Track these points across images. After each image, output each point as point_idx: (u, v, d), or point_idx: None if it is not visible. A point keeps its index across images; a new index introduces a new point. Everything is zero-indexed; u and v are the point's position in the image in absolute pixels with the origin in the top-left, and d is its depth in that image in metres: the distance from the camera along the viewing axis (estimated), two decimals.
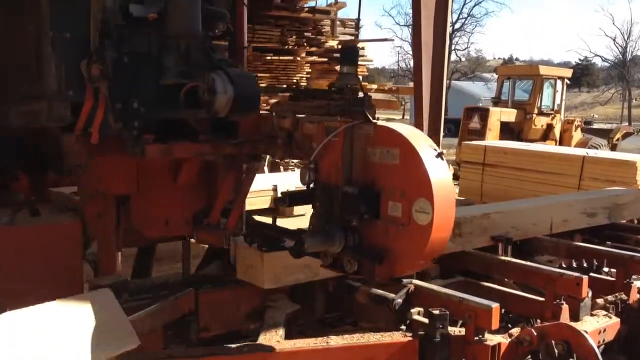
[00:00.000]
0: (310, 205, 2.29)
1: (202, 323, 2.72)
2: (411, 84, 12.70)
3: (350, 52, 2.35)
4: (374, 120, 2.12)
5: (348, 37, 13.27)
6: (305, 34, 11.78)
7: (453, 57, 42.56)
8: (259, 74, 11.55)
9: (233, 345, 2.35)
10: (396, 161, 2.05)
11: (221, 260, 3.12)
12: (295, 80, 11.35)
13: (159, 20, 2.47)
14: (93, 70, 2.28)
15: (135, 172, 2.70)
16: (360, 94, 2.21)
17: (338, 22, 12.86)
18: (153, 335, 2.45)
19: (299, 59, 11.25)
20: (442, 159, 2.05)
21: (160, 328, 2.50)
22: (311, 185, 2.25)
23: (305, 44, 11.75)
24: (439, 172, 2.00)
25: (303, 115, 2.37)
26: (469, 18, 43.42)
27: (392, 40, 43.64)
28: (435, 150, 2.04)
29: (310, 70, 12.14)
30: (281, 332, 2.60)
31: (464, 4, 43.03)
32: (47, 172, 8.35)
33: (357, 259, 2.13)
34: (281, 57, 10.84)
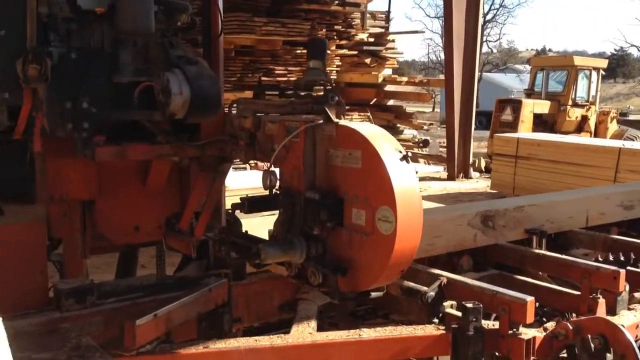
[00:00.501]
0: None
1: (235, 314, 2.74)
2: (441, 77, 12.61)
3: (317, 45, 2.22)
4: (336, 120, 1.96)
5: (378, 30, 13.20)
6: (336, 27, 11.78)
7: (484, 49, 42.01)
8: (289, 68, 11.59)
9: (266, 337, 2.37)
10: (358, 164, 1.90)
11: (200, 261, 2.98)
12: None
13: (110, 14, 2.30)
14: (30, 70, 2.14)
15: (96, 176, 2.53)
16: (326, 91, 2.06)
17: (368, 15, 12.82)
18: (187, 326, 2.49)
19: (329, 52, 11.25)
20: (408, 162, 1.90)
21: (194, 319, 2.53)
22: (274, 190, 2.10)
23: (335, 37, 11.74)
24: (403, 178, 1.85)
25: (265, 115, 2.22)
26: (500, 9, 42.81)
27: (423, 32, 43.31)
28: (400, 152, 1.90)
29: (340, 63, 12.13)
30: (313, 324, 2.61)
31: None
32: None
33: (321, 271, 2.00)
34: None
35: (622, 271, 2.77)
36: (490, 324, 2.54)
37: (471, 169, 11.94)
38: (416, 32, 19.07)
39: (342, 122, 1.98)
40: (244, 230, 2.40)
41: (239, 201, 2.21)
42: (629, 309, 2.84)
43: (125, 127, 2.36)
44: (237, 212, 2.23)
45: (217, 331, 2.59)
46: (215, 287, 2.60)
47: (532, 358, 2.45)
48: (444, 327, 2.51)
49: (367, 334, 2.45)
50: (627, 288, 2.83)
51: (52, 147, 2.39)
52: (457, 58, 10.99)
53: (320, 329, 2.76)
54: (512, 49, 52.67)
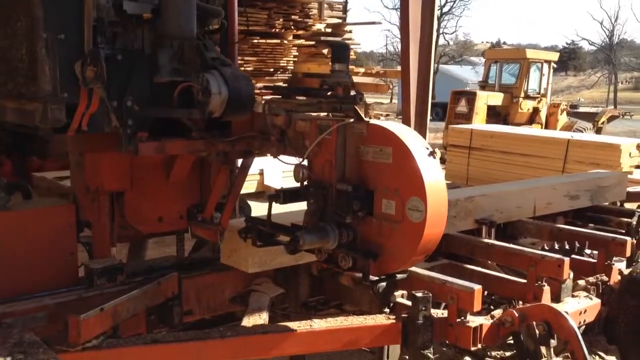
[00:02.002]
0: None
1: (185, 307, 2.71)
2: (399, 68, 12.67)
3: (341, 49, 2.34)
4: (367, 119, 2.15)
5: (336, 20, 13.19)
6: (293, 17, 11.69)
7: (441, 41, 42.45)
8: (246, 58, 11.46)
9: (216, 329, 2.36)
10: (389, 160, 2.08)
11: (212, 244, 3.16)
12: (282, 64, 11.27)
13: (152, 17, 2.46)
14: (88, 72, 2.27)
15: (129, 169, 2.72)
16: (353, 92, 2.22)
17: (325, 5, 12.75)
18: (135, 320, 2.45)
19: (286, 42, 11.18)
20: (435, 157, 2.08)
21: (142, 312, 2.49)
22: (305, 183, 2.25)
23: (292, 27, 11.66)
24: (432, 171, 2.03)
25: (296, 113, 2.37)
26: (457, 1, 43.30)
27: (380, 23, 43.44)
28: (428, 149, 2.08)
29: (297, 53, 12.06)
30: (265, 315, 2.61)
31: None
32: (31, 157, 8.28)
33: (352, 255, 2.15)
34: (268, 41, 10.76)
35: (567, 259, 2.85)
36: (439, 312, 2.59)
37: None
38: (373, 23, 19.08)
39: (373, 121, 2.17)
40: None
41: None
42: (573, 296, 2.93)
43: (161, 123, 2.51)
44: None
45: (167, 324, 2.56)
46: (164, 280, 2.57)
47: (479, 345, 2.51)
48: (394, 317, 2.55)
49: (319, 324, 2.47)
50: (571, 276, 2.92)
51: (90, 143, 2.60)
52: (414, 50, 11.03)
53: (272, 320, 2.76)
54: (467, 42, 53.48)
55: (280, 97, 2.50)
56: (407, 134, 2.10)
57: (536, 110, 15.16)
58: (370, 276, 2.14)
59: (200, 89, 2.37)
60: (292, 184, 2.31)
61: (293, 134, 2.36)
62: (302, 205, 2.30)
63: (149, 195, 2.81)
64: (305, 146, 2.27)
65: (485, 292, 2.93)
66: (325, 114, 2.35)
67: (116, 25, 2.40)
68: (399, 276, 2.23)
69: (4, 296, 2.35)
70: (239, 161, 2.82)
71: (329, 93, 2.26)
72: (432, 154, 2.08)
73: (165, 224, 2.89)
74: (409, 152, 2.03)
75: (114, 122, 2.39)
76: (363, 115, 2.15)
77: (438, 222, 2.06)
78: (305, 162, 2.26)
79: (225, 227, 2.68)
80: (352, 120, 2.16)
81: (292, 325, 2.48)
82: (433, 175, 2.03)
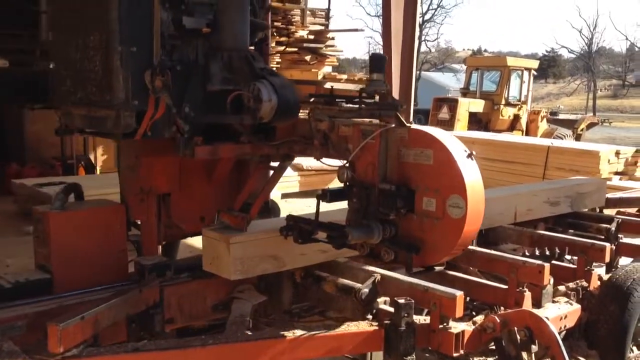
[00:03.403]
0: None
1: (167, 315, 2.69)
2: None
3: (379, 61, 2.53)
4: (408, 124, 2.33)
5: (318, 27, 13.22)
6: (275, 23, 11.69)
7: (423, 48, 42.72)
8: None
9: (198, 338, 2.34)
10: (430, 161, 2.27)
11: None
12: None
13: (207, 32, 2.70)
14: (157, 81, 2.48)
15: (178, 172, 2.96)
16: (391, 100, 2.41)
17: (308, 12, 12.79)
18: (116, 328, 2.42)
19: (270, 48, 11.15)
20: (472, 159, 2.27)
21: (123, 320, 2.47)
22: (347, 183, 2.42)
23: (275, 33, 11.66)
24: (471, 171, 2.23)
25: (338, 119, 2.54)
26: (438, 9, 43.64)
27: (362, 30, 43.64)
28: (466, 151, 2.27)
29: (280, 60, 12.06)
30: (247, 323, 2.59)
31: None
32: (10, 163, 8.17)
33: (394, 249, 2.35)
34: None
35: (547, 265, 2.88)
36: (421, 319, 2.59)
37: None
38: (356, 30, 19.22)
39: (414, 125, 2.35)
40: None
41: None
42: (554, 302, 2.96)
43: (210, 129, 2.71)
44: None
45: (148, 333, 2.54)
46: (146, 288, 2.55)
47: (461, 351, 2.52)
48: (377, 324, 2.55)
49: (301, 331, 2.46)
50: (552, 282, 2.94)
51: (146, 148, 2.81)
52: (396, 56, 11.07)
53: (255, 327, 2.75)
54: (449, 49, 53.81)
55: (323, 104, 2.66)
56: (447, 137, 2.29)
57: (517, 117, 15.30)
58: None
59: (251, 97, 2.56)
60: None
61: (336, 138, 2.55)
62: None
63: (192, 196, 3.05)
64: (348, 149, 2.46)
65: (467, 298, 2.95)
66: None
67: (175, 38, 2.61)
68: (437, 268, 2.49)
69: (63, 290, 2.59)
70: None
71: (367, 100, 2.44)
72: (470, 155, 2.26)
73: (208, 223, 3.07)
74: (449, 154, 2.22)
75: (176, 127, 2.59)
76: (404, 121, 2.33)
77: (477, 218, 2.25)
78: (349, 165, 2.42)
79: (253, 217, 2.83)
80: (393, 125, 2.34)
81: (275, 332, 2.47)
82: (472, 175, 2.23)
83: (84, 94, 2.64)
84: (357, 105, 2.49)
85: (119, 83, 2.47)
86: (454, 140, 2.30)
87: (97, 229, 2.72)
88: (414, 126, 2.36)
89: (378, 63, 2.51)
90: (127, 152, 2.87)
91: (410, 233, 2.33)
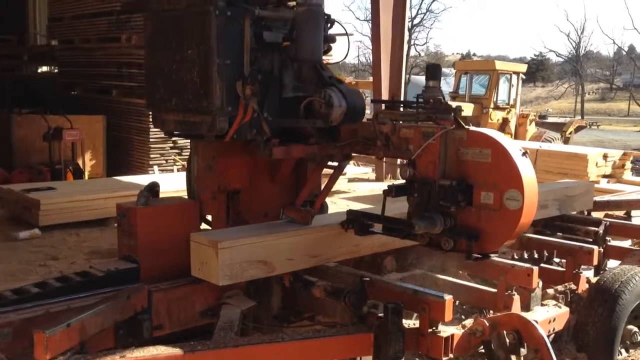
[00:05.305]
0: None
1: (155, 321, 2.67)
2: (371, 79, 12.74)
3: (435, 69, 2.84)
4: (466, 127, 2.56)
5: None
6: None
7: (412, 52, 42.85)
8: None
9: (187, 344, 2.32)
10: (488, 159, 2.50)
11: None
12: None
13: (283, 45, 3.00)
14: (247, 90, 2.79)
15: (248, 171, 3.22)
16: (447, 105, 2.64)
17: None
18: (104, 335, 2.40)
19: None
20: (527, 157, 2.51)
21: (111, 327, 2.44)
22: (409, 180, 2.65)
23: None
24: (526, 167, 2.47)
25: (400, 122, 2.80)
26: (427, 13, 43.76)
27: (352, 34, 43.67)
28: (521, 150, 2.51)
29: None
30: (236, 328, 2.57)
31: None
32: None
33: (453, 239, 2.58)
34: None
35: (535, 268, 2.89)
36: (411, 323, 2.59)
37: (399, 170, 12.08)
38: (346, 34, 19.24)
39: (472, 128, 2.58)
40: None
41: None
42: (542, 305, 2.97)
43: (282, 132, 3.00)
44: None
45: (136, 339, 2.51)
46: (134, 294, 2.53)
47: (450, 355, 2.52)
48: (366, 328, 2.54)
49: (290, 336, 2.45)
50: (540, 285, 2.95)
51: (223, 149, 3.09)
52: (385, 60, 11.14)
53: (244, 333, 2.74)
54: (438, 53, 54.03)
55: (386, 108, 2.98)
56: (503, 138, 2.54)
57: (505, 121, 15.38)
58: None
59: (323, 103, 2.89)
60: None
61: (397, 140, 2.79)
62: None
63: (259, 193, 3.30)
64: (409, 149, 2.71)
65: (457, 302, 2.96)
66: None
67: (255, 51, 2.89)
68: (492, 256, 2.73)
69: (149, 277, 2.80)
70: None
71: (426, 105, 2.69)
72: (524, 153, 2.50)
73: (269, 219, 3.31)
74: (507, 153, 2.46)
75: (255, 130, 2.88)
76: (463, 124, 2.55)
77: (532, 210, 2.48)
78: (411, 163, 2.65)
79: (316, 212, 3.06)
80: (452, 127, 2.57)
81: (264, 338, 2.46)
82: (528, 171, 2.46)
83: (178, 101, 2.94)
84: (415, 110, 2.74)
85: (216, 92, 2.78)
86: (509, 141, 2.55)
87: (177, 223, 2.96)
88: (473, 128, 2.58)
89: (434, 72, 2.81)
90: (204, 153, 3.08)
91: (469, 224, 2.56)
